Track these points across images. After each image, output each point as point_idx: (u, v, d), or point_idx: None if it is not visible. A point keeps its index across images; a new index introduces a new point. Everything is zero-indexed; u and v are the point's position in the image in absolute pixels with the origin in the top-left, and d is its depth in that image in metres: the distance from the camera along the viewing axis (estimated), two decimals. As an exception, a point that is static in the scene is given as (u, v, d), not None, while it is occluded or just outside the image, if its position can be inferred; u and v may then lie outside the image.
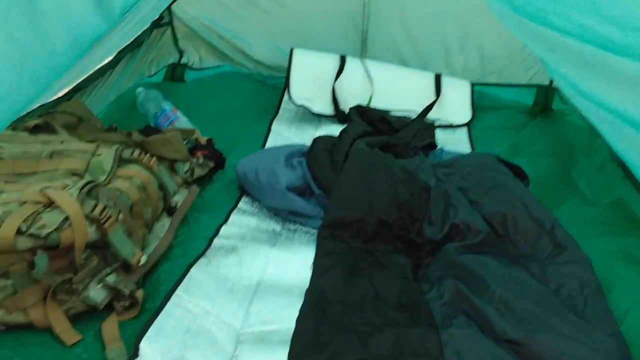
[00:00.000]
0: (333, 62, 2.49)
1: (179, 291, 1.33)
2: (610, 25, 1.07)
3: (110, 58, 2.26)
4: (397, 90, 2.48)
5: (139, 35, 2.41)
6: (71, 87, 2.01)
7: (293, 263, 1.49)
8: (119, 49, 2.25)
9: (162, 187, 1.57)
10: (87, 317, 1.24)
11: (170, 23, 2.72)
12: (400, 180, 1.65)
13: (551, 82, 2.58)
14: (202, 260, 1.46)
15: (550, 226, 1.51)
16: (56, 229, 1.15)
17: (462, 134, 2.41)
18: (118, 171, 1.46)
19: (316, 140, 1.90)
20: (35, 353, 1.14)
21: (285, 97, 2.49)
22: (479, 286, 1.33)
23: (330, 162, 1.79)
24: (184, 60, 2.84)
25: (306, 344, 1.20)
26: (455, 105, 2.50)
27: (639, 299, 1.32)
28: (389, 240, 1.58)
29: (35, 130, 1.60)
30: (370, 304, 1.34)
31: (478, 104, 2.55)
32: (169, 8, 2.62)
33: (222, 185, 1.87)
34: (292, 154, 1.84)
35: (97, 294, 1.25)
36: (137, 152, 1.55)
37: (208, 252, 1.50)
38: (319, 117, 2.43)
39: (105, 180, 1.39)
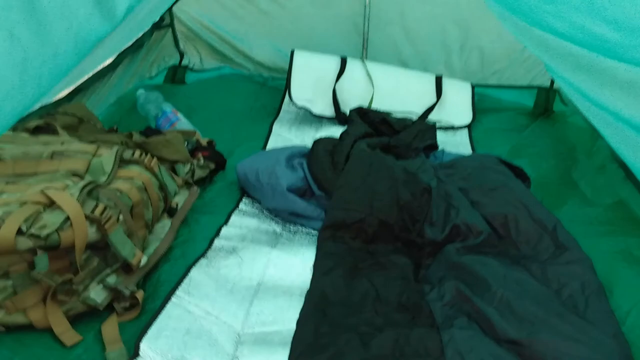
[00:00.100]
0: (334, 63, 2.49)
1: (179, 292, 1.32)
2: (607, 25, 1.07)
3: (111, 60, 2.26)
4: (398, 92, 2.48)
5: (139, 37, 2.41)
6: (72, 89, 2.02)
7: (293, 264, 1.49)
8: (120, 51, 2.25)
9: (162, 188, 1.57)
10: (87, 318, 1.24)
11: (171, 25, 2.73)
12: (402, 181, 1.65)
13: (552, 83, 2.58)
14: (202, 261, 1.46)
15: (552, 227, 1.51)
16: (57, 230, 1.15)
17: (463, 136, 2.41)
18: (119, 172, 1.45)
19: (317, 142, 1.90)
20: (35, 354, 1.14)
21: (286, 98, 2.50)
22: (480, 287, 1.33)
23: (331, 163, 1.79)
24: (184, 62, 2.84)
25: (307, 345, 1.20)
26: (456, 107, 2.50)
27: (640, 299, 1.32)
28: (389, 241, 1.58)
29: (36, 131, 1.60)
30: (371, 304, 1.34)
31: (479, 105, 2.55)
32: (169, 10, 2.63)
33: (223, 187, 1.87)
34: (292, 155, 1.84)
35: (97, 294, 1.24)
36: (137, 153, 1.55)
37: (208, 253, 1.50)
38: (319, 119, 2.43)
39: (105, 181, 1.38)
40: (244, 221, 1.68)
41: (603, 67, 1.15)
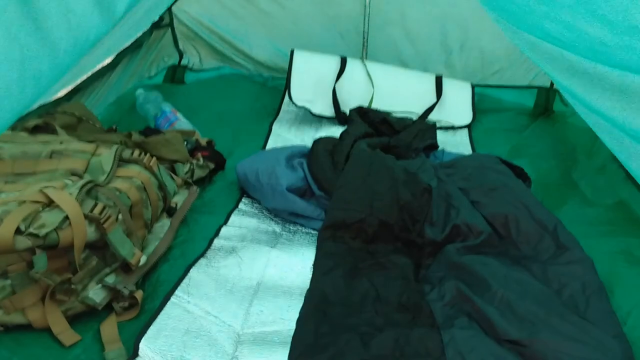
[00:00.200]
0: (334, 63, 2.49)
1: (178, 292, 1.32)
2: (601, 25, 1.06)
3: (110, 59, 2.26)
4: (398, 92, 2.48)
5: (139, 37, 2.41)
6: (71, 88, 2.01)
7: (293, 264, 1.49)
8: (119, 50, 2.25)
9: (162, 187, 1.56)
10: (86, 318, 1.23)
11: (170, 24, 2.72)
12: (402, 181, 1.65)
13: (552, 84, 2.58)
14: (201, 261, 1.45)
15: (553, 227, 1.51)
16: (55, 229, 1.14)
17: (463, 136, 2.41)
18: (118, 171, 1.45)
19: (317, 141, 1.90)
20: (33, 354, 1.14)
21: (286, 98, 2.49)
22: (481, 287, 1.32)
23: (331, 163, 1.78)
24: (184, 61, 2.84)
25: (307, 345, 1.19)
26: (456, 107, 2.49)
27: (641, 299, 1.32)
28: (389, 241, 1.57)
29: (34, 130, 1.60)
30: (371, 304, 1.34)
31: (479, 105, 2.55)
32: (169, 9, 2.62)
33: (223, 187, 1.87)
34: (292, 155, 1.84)
35: (96, 294, 1.24)
36: (137, 153, 1.55)
37: (208, 253, 1.49)
38: (319, 119, 2.43)
39: (104, 180, 1.38)
40: (243, 221, 1.68)
41: (596, 72, 1.15)
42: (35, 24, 0.84)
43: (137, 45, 2.48)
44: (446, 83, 2.52)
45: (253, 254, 1.50)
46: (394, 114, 2.35)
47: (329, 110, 2.42)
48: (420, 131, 2.14)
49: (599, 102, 1.26)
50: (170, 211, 1.61)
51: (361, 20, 2.64)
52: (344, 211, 1.60)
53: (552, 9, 1.17)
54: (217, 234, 1.58)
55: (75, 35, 0.94)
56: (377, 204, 1.60)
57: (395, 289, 1.38)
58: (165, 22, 2.69)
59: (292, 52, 2.50)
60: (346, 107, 2.39)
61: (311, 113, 2.41)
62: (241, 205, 1.76)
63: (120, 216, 1.31)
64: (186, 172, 1.76)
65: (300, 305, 1.33)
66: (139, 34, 2.39)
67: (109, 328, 1.20)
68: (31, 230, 1.12)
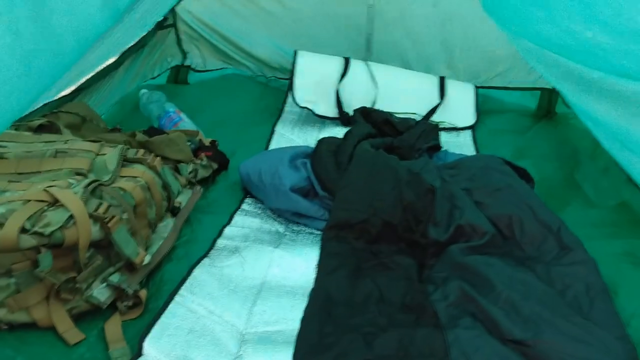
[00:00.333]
0: (337, 64, 2.49)
1: (182, 291, 1.32)
2: (600, 28, 1.06)
3: (113, 59, 2.26)
4: (401, 93, 2.48)
5: (142, 37, 2.41)
6: (75, 87, 2.01)
7: (297, 264, 1.49)
8: (123, 50, 2.25)
9: (166, 187, 1.57)
10: (90, 317, 1.23)
11: (173, 24, 2.72)
12: (405, 181, 1.65)
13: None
14: (205, 261, 1.45)
15: (557, 228, 1.51)
16: (60, 228, 1.14)
17: (467, 137, 2.40)
18: (122, 171, 1.45)
19: (320, 142, 1.90)
20: (38, 352, 1.14)
21: (289, 99, 2.49)
22: (485, 287, 1.32)
23: (334, 163, 1.78)
24: (187, 62, 2.84)
25: (311, 345, 1.19)
26: (460, 108, 2.49)
27: (645, 300, 1.32)
28: (393, 241, 1.58)
29: (39, 129, 1.60)
30: (374, 305, 1.34)
31: (482, 107, 2.55)
32: (173, 10, 2.63)
33: (226, 187, 1.87)
34: (296, 155, 1.84)
35: (100, 293, 1.24)
36: (141, 152, 1.55)
37: (211, 253, 1.49)
38: (322, 120, 2.43)
39: (109, 179, 1.38)
40: (246, 221, 1.68)
41: (592, 78, 1.16)
42: (41, 21, 0.84)
43: (140, 45, 2.48)
44: (449, 84, 2.52)
45: (256, 254, 1.50)
46: (397, 115, 2.35)
47: (332, 111, 2.42)
48: (424, 132, 2.14)
49: (595, 108, 1.27)
50: (174, 211, 1.61)
51: (364, 21, 2.64)
52: (347, 211, 1.60)
53: (550, 14, 1.17)
54: (220, 234, 1.58)
55: (80, 31, 0.94)
56: (381, 205, 1.60)
57: (399, 290, 1.38)
58: (168, 23, 2.69)
59: (295, 53, 2.50)
60: (349, 107, 2.39)
61: (314, 114, 2.40)
62: (244, 206, 1.76)
63: (124, 215, 1.32)
64: (190, 172, 1.76)
65: (304, 305, 1.33)
66: (143, 33, 2.39)
67: (113, 327, 1.20)
68: (36, 229, 1.12)
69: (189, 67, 2.85)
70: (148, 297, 1.31)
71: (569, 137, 2.31)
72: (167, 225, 1.55)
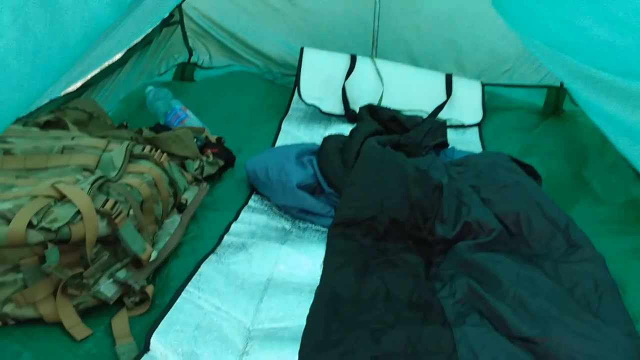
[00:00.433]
0: (343, 61, 2.48)
1: (189, 287, 1.32)
2: (609, 25, 1.06)
3: (119, 55, 2.26)
4: (408, 90, 2.47)
5: (148, 34, 2.41)
6: (81, 84, 2.02)
7: (303, 261, 1.49)
8: (129, 46, 2.25)
9: (172, 183, 1.56)
10: (97, 312, 1.23)
11: (180, 21, 2.73)
12: (412, 178, 1.64)
13: (562, 83, 2.56)
14: (212, 257, 1.45)
15: (564, 225, 1.50)
16: (67, 223, 1.14)
17: (473, 135, 2.40)
18: (129, 167, 1.45)
19: (327, 139, 1.89)
20: (45, 348, 1.14)
21: (295, 96, 2.49)
22: (492, 284, 1.32)
23: (341, 160, 1.78)
24: (193, 59, 2.84)
25: (318, 342, 1.19)
26: (466, 105, 2.48)
27: (654, 298, 1.31)
28: (400, 238, 1.57)
29: (46, 125, 1.60)
30: (381, 302, 1.33)
31: (489, 104, 2.54)
32: (179, 6, 2.63)
33: (232, 183, 1.87)
34: (302, 152, 1.84)
35: (107, 289, 1.24)
36: (147, 149, 1.55)
37: (218, 249, 1.49)
38: (328, 117, 2.42)
39: (116, 176, 1.38)
40: (253, 218, 1.68)
41: (600, 77, 1.15)
42: (52, 17, 0.85)
43: (146, 42, 2.49)
44: (456, 81, 2.51)
45: (263, 251, 1.50)
46: (404, 112, 2.34)
47: (338, 108, 2.42)
48: (431, 129, 2.13)
49: (604, 106, 1.26)
50: (180, 207, 1.61)
51: (371, 17, 2.63)
52: (354, 208, 1.60)
53: (559, 12, 1.17)
54: (227, 230, 1.58)
55: (86, 25, 0.94)
56: (388, 202, 1.59)
57: (406, 287, 1.38)
58: (175, 19, 2.70)
59: (301, 50, 2.50)
60: (356, 105, 2.39)
61: (320, 111, 2.40)
62: (251, 202, 1.76)
63: (131, 212, 1.32)
64: (196, 169, 1.76)
65: (310, 301, 1.32)
66: (149, 29, 2.39)
67: (120, 322, 1.20)
68: (43, 224, 1.12)
69: (195, 64, 2.85)
70: (155, 293, 1.31)
71: (576, 135, 2.30)
72: (174, 221, 1.55)
